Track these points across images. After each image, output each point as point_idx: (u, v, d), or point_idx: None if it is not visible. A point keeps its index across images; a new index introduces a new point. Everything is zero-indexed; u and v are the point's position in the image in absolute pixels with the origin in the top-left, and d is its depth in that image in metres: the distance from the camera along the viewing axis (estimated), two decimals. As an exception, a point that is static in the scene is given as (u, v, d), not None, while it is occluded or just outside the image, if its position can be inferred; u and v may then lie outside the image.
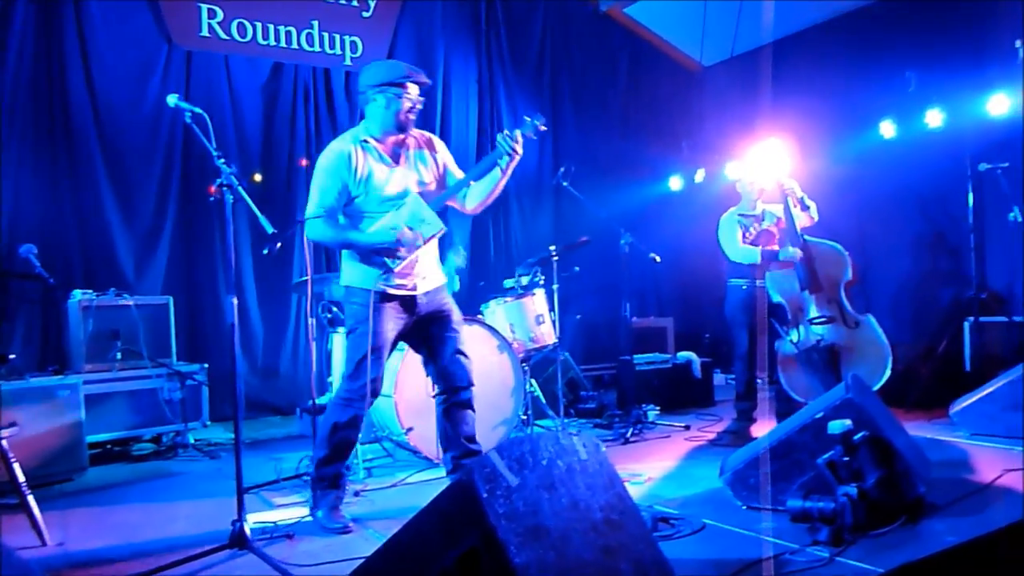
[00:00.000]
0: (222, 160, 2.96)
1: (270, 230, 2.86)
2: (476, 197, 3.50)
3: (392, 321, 3.38)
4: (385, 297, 3.34)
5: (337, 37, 6.68)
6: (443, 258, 3.90)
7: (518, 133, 3.24)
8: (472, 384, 3.57)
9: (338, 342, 4.93)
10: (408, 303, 3.42)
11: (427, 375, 3.65)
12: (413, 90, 3.33)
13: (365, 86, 3.34)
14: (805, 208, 5.04)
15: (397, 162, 3.39)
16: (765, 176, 5.16)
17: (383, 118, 3.33)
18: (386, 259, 3.29)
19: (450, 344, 3.51)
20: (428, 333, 3.52)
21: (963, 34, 6.08)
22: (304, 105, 6.54)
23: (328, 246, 3.51)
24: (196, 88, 6.08)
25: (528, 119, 3.30)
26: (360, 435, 3.48)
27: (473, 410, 3.60)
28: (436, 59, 7.19)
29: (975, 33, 5.99)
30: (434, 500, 2.23)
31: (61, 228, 5.55)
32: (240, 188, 2.93)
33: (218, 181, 2.92)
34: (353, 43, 6.75)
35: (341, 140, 3.38)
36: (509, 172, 3.36)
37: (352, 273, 3.41)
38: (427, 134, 3.57)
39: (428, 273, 3.48)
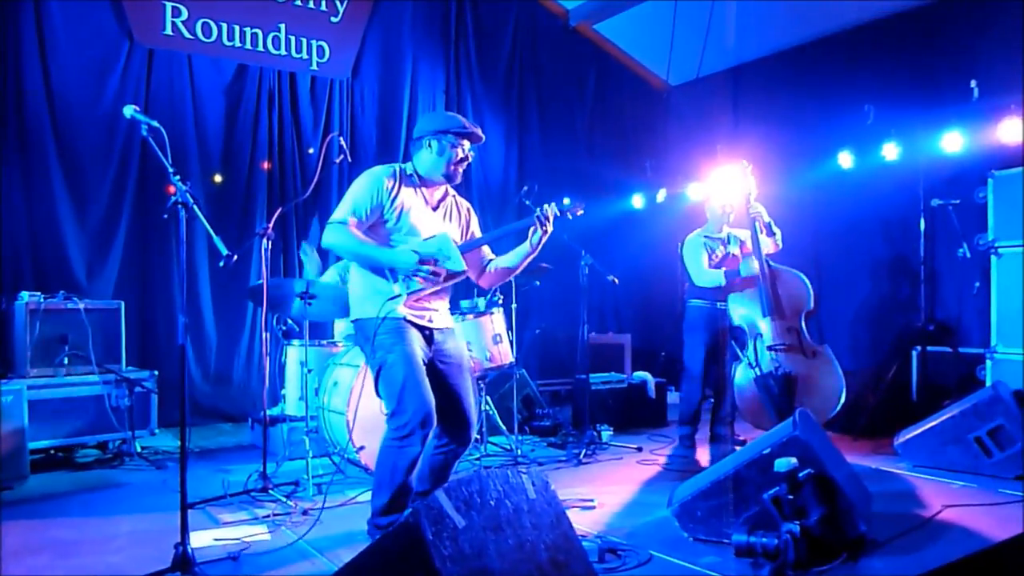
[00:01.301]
0: (177, 177, 2.91)
1: (224, 252, 2.81)
2: (498, 271, 3.49)
3: (418, 345, 3.22)
4: (405, 320, 3.20)
5: (304, 41, 6.61)
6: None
7: (552, 209, 3.24)
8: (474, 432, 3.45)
9: (292, 355, 4.89)
10: (426, 335, 3.28)
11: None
12: (466, 144, 3.35)
13: (423, 131, 3.33)
14: (771, 234, 5.11)
15: (436, 209, 3.39)
16: (735, 199, 5.23)
17: (433, 164, 3.31)
18: (400, 281, 3.18)
19: (463, 395, 3.36)
20: (442, 378, 3.33)
21: (922, 71, 6.24)
22: (268, 108, 6.46)
23: (343, 254, 3.36)
24: (157, 87, 5.98)
25: (568, 201, 3.31)
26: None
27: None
28: (404, 67, 7.16)
29: (933, 71, 6.15)
30: (379, 540, 2.23)
31: (10, 226, 5.41)
32: (196, 207, 2.88)
33: (173, 199, 2.87)
34: (320, 48, 6.69)
35: (389, 165, 3.35)
36: (538, 249, 3.32)
37: (363, 304, 3.25)
38: (466, 203, 3.59)
39: (442, 310, 3.38)
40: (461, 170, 3.37)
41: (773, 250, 5.18)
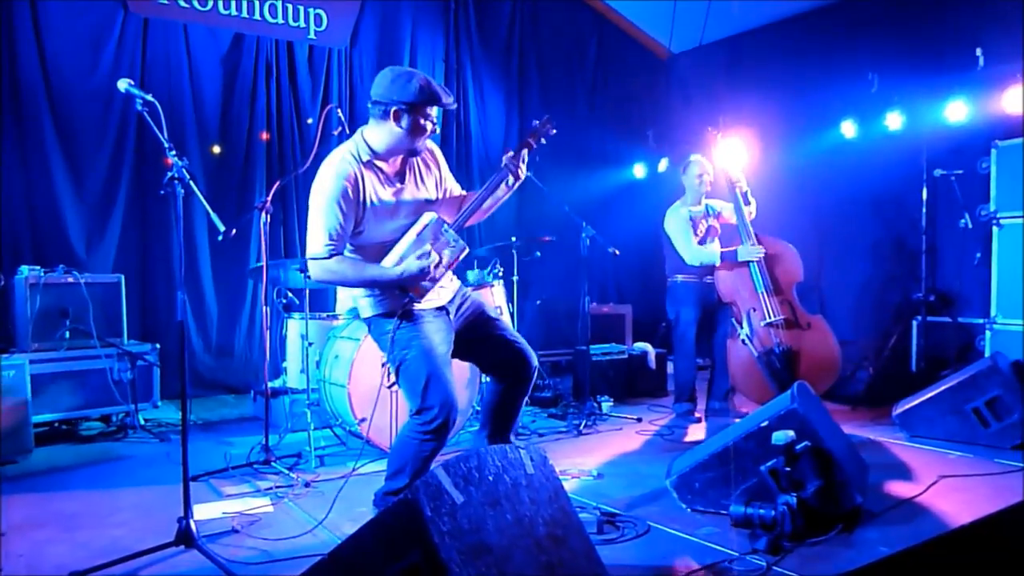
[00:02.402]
0: (174, 153, 2.89)
1: (221, 228, 2.80)
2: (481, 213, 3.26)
3: (438, 333, 3.06)
4: (419, 312, 3.06)
5: (301, 9, 6.52)
6: None
7: (524, 154, 3.04)
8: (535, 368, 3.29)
9: (293, 327, 4.90)
10: (442, 318, 3.15)
11: (484, 380, 3.34)
12: (434, 112, 2.98)
13: (389, 98, 2.90)
14: (747, 203, 5.05)
15: (402, 181, 3.07)
16: (712, 167, 5.16)
17: (395, 138, 2.95)
18: (412, 293, 2.99)
19: (501, 333, 3.23)
20: (472, 336, 3.22)
21: (926, 39, 6.15)
22: (265, 78, 6.39)
23: (343, 287, 3.18)
24: (153, 58, 5.91)
25: (537, 123, 3.12)
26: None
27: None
28: (403, 35, 7.08)
29: (937, 38, 6.07)
30: (378, 515, 2.25)
31: (8, 201, 5.38)
32: (192, 183, 2.86)
33: (169, 175, 2.85)
34: (318, 16, 6.60)
35: (339, 161, 2.95)
36: (512, 189, 3.14)
37: (372, 303, 3.11)
38: (429, 146, 3.19)
39: (445, 282, 3.17)
40: (425, 140, 3.04)
41: (749, 219, 5.10)
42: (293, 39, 6.52)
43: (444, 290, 3.18)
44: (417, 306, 3.04)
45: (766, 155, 5.71)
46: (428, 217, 3.01)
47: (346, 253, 3.02)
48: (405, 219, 3.05)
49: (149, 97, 2.98)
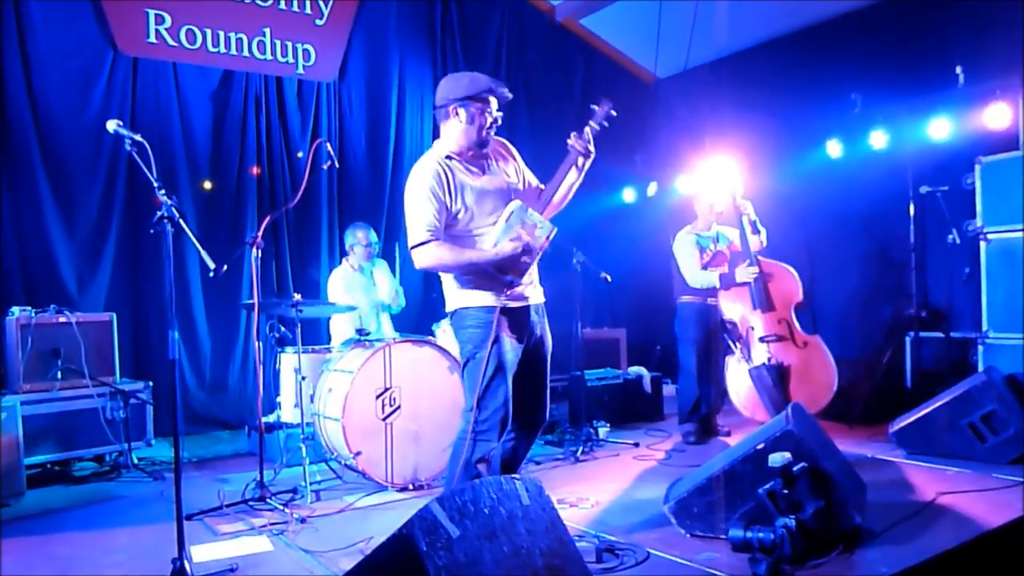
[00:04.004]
0: (163, 192, 2.90)
1: (212, 267, 2.80)
2: (553, 204, 3.35)
3: (510, 339, 3.16)
4: (504, 312, 3.13)
5: (289, 45, 6.58)
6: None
7: (588, 132, 3.17)
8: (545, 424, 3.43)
9: (287, 361, 4.89)
10: (523, 319, 3.22)
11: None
12: (494, 104, 3.17)
13: (445, 99, 3.16)
14: (756, 232, 5.14)
15: (484, 172, 3.23)
16: (722, 196, 5.25)
17: (464, 134, 3.17)
18: (511, 275, 3.10)
19: (543, 385, 3.34)
20: (530, 366, 3.28)
21: (907, 58, 6.24)
22: (255, 114, 6.42)
23: (445, 271, 3.19)
24: (143, 96, 5.94)
25: (595, 108, 3.19)
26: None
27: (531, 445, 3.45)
28: (391, 67, 7.13)
29: (918, 57, 6.15)
30: (373, 552, 2.23)
31: (-1, 240, 5.39)
32: (182, 221, 2.87)
33: (158, 214, 2.86)
34: (306, 51, 6.66)
35: (424, 162, 3.18)
36: (583, 171, 3.28)
37: (464, 295, 3.18)
38: (501, 139, 3.39)
39: (534, 280, 3.31)
40: (493, 133, 3.22)
41: (758, 248, 5.21)
42: (282, 74, 6.56)
43: (531, 288, 3.27)
44: (511, 304, 3.14)
45: (753, 177, 5.74)
46: (513, 205, 3.12)
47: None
48: (494, 205, 3.17)
49: (138, 137, 3.00)
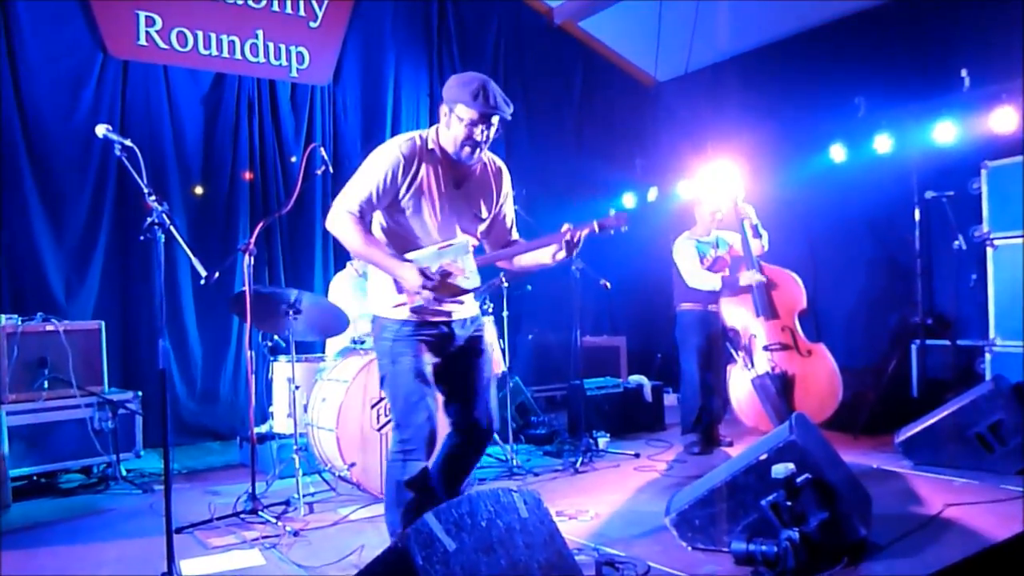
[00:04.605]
0: (153, 198, 2.82)
1: (203, 274, 2.72)
2: (515, 267, 3.12)
3: (428, 354, 2.94)
4: (422, 325, 2.91)
5: (283, 47, 6.50)
6: None
7: (582, 234, 2.80)
8: (492, 433, 3.14)
9: (279, 370, 4.79)
10: (444, 332, 2.97)
11: (447, 415, 3.11)
12: (479, 126, 2.80)
13: (444, 95, 2.88)
14: (757, 236, 5.08)
15: (459, 187, 2.96)
16: (723, 201, 5.19)
17: (443, 137, 2.89)
18: (405, 293, 2.85)
19: (477, 382, 3.06)
20: (457, 367, 3.05)
21: (912, 61, 6.18)
22: (248, 117, 6.33)
23: (346, 246, 2.94)
24: (133, 100, 5.86)
25: (613, 212, 2.86)
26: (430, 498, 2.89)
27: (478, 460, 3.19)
28: (386, 71, 7.06)
29: (922, 61, 6.09)
30: (368, 566, 2.17)
31: (-15, 246, 5.29)
32: (173, 228, 2.80)
33: (148, 220, 2.78)
34: (300, 54, 6.58)
35: (407, 138, 2.90)
36: (556, 262, 2.95)
37: (381, 302, 2.96)
38: (499, 162, 3.11)
39: (466, 300, 3.01)
40: (475, 154, 2.86)
41: (759, 252, 5.13)
42: (275, 78, 6.48)
43: (459, 307, 2.98)
44: (431, 318, 2.91)
45: (755, 181, 5.67)
46: (463, 239, 2.91)
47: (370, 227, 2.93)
48: (442, 224, 2.92)
49: (128, 142, 2.95)
